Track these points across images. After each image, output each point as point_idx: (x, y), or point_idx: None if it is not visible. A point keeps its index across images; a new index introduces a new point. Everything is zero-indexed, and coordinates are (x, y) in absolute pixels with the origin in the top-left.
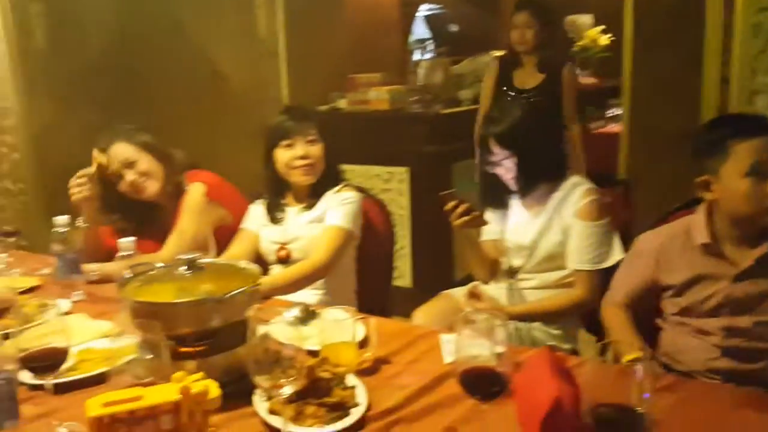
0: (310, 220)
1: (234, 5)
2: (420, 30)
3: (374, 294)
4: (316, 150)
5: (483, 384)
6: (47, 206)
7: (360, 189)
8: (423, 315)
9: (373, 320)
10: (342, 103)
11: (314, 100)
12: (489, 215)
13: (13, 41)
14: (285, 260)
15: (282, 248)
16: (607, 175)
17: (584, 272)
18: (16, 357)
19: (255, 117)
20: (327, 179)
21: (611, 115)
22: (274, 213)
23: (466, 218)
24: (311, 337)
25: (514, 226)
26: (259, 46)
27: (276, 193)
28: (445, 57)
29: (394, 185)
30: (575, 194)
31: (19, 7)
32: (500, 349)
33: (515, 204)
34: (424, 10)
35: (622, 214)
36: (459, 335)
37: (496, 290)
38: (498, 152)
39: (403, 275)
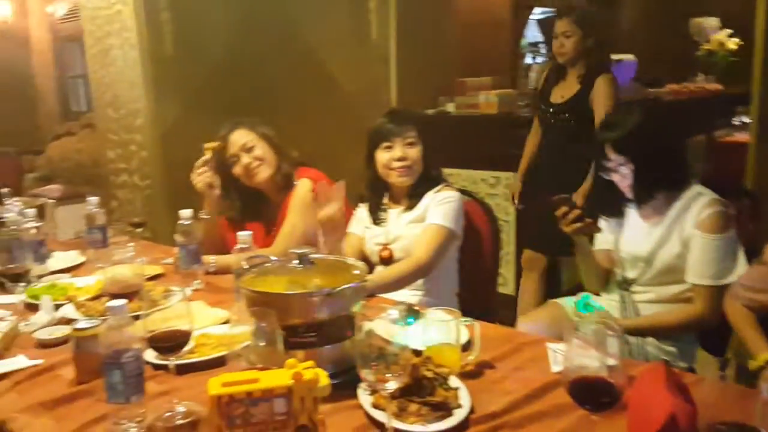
0: (410, 220)
1: (348, 11)
2: (532, 33)
3: (477, 298)
4: (414, 152)
5: (593, 395)
6: (170, 201)
7: (465, 192)
8: (529, 322)
9: (477, 324)
10: (450, 107)
11: (422, 104)
12: (602, 223)
13: (145, 48)
14: (387, 260)
15: (384, 248)
16: (733, 186)
17: (704, 287)
18: (143, 337)
19: (364, 120)
20: (426, 180)
21: (738, 123)
22: (376, 214)
23: (578, 225)
24: (414, 337)
25: (630, 236)
26: (371, 51)
27: (376, 194)
28: None
29: (500, 190)
30: (697, 204)
31: (152, 16)
32: (612, 361)
33: (631, 213)
34: (537, 13)
35: (749, 227)
36: (568, 345)
37: (607, 302)
38: (614, 158)
39: (507, 282)
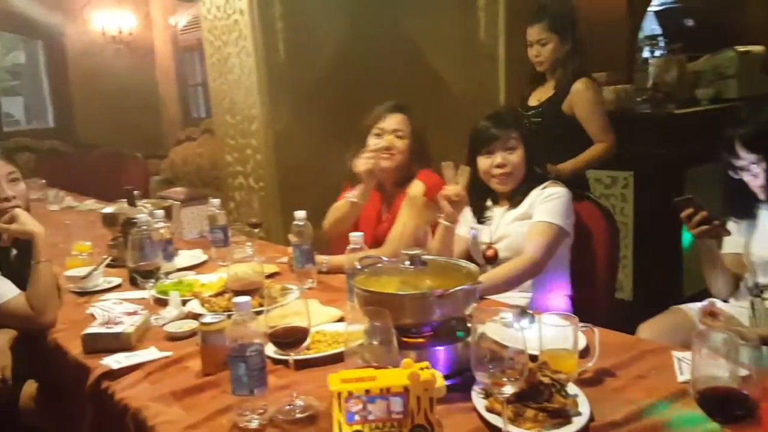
0: (515, 217)
1: (456, 10)
2: (651, 26)
3: (592, 303)
4: (515, 157)
5: (725, 407)
6: (282, 202)
7: (579, 192)
8: (650, 329)
9: (596, 330)
10: None
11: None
12: (732, 225)
13: (260, 56)
14: (492, 259)
15: (489, 248)
16: None
17: None
18: (264, 332)
19: (471, 120)
20: (530, 179)
21: None
22: (480, 214)
23: (705, 227)
24: (529, 341)
25: (762, 239)
26: (479, 50)
27: (479, 195)
28: (679, 54)
29: (616, 190)
30: None
31: (266, 25)
32: (745, 371)
33: (764, 214)
34: (655, 5)
35: None
36: (696, 353)
37: (736, 309)
38: (744, 156)
39: (623, 287)
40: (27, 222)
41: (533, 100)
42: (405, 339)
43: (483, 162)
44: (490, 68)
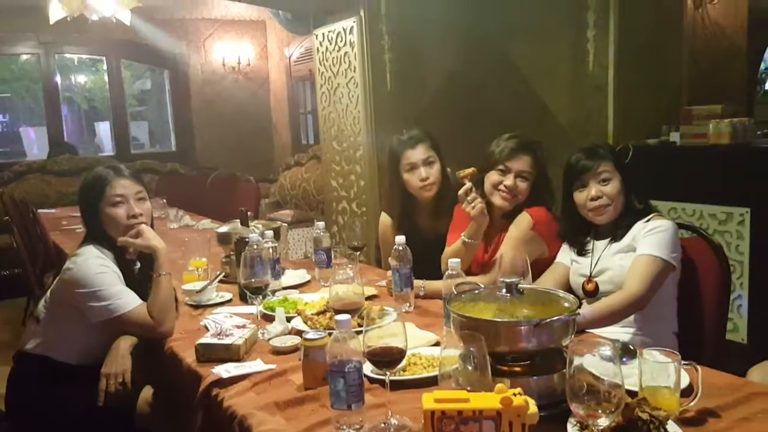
0: (617, 250)
1: (565, 41)
2: None
3: (699, 342)
4: (610, 189)
5: None
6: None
7: (690, 227)
8: (762, 373)
9: (700, 368)
10: (674, 137)
11: (642, 134)
12: None
13: (368, 86)
14: (592, 293)
15: (589, 281)
16: None
17: None
18: (363, 351)
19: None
20: (631, 213)
21: None
22: (581, 248)
23: None
24: (629, 377)
25: None
26: (587, 80)
27: (579, 231)
28: None
29: (731, 227)
30: None
31: (375, 57)
32: None
33: None
34: None
35: None
36: None
37: None
38: None
39: (737, 328)
40: (151, 238)
41: None
42: (500, 367)
43: (578, 196)
44: (598, 99)
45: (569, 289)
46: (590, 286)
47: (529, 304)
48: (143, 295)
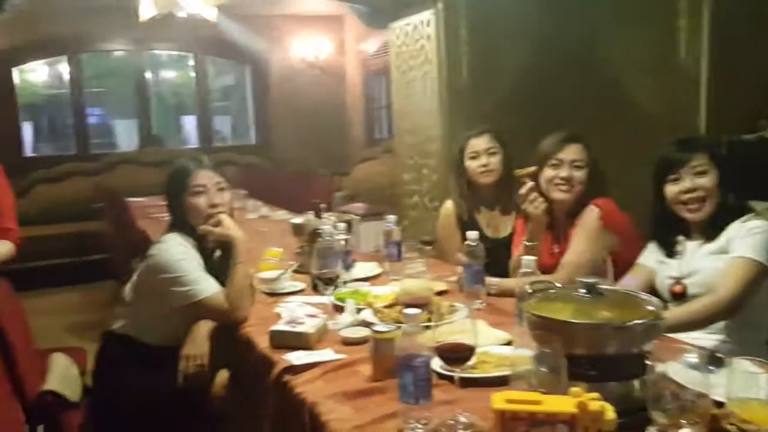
0: (711, 251)
1: (653, 30)
2: None
3: None
4: (706, 181)
5: None
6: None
7: None
8: None
9: None
10: None
11: (737, 129)
12: None
13: (443, 79)
14: (680, 296)
15: (677, 283)
16: None
17: None
18: (432, 346)
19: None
20: (726, 210)
21: None
22: (670, 247)
23: None
24: (715, 387)
25: None
26: (677, 72)
27: (669, 229)
28: None
29: None
30: None
31: (451, 50)
32: None
33: None
34: None
35: None
36: None
37: None
38: None
39: None
40: (230, 227)
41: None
42: (576, 370)
43: (670, 189)
44: (689, 92)
45: (653, 292)
46: (678, 289)
47: (609, 306)
48: (221, 281)
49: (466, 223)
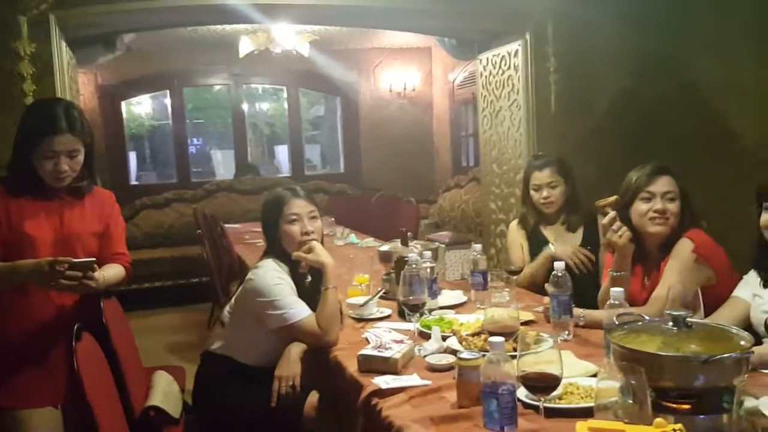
0: None
1: (753, 59)
2: None
3: None
4: None
5: None
6: None
7: None
8: None
9: None
10: None
11: None
12: None
13: (531, 109)
14: None
15: None
16: None
17: None
18: (517, 375)
19: (763, 173)
20: None
21: None
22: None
23: None
24: None
25: None
26: None
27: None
28: None
29: None
30: None
31: (540, 79)
32: None
33: None
34: None
35: None
36: None
37: None
38: None
39: None
40: (321, 254)
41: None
42: (664, 403)
43: (764, 216)
44: None
45: (748, 327)
46: None
47: (698, 339)
48: (312, 306)
49: (533, 234)
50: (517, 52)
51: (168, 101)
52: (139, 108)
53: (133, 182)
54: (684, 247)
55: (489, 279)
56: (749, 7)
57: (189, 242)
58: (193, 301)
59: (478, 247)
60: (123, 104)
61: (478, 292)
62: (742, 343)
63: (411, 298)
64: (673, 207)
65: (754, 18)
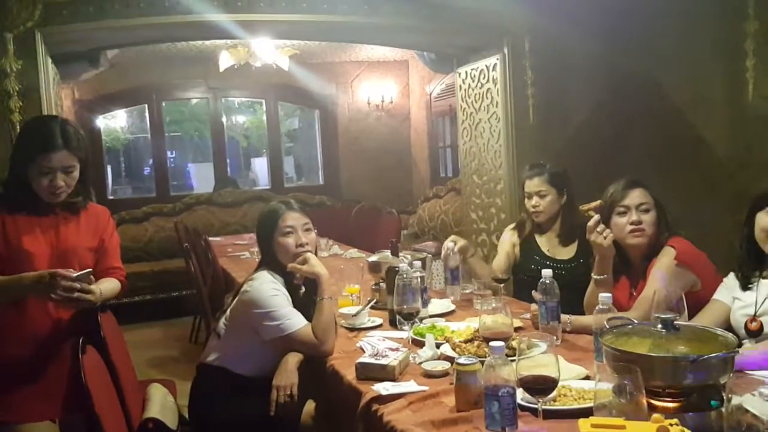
0: None
1: (719, 72)
2: None
3: None
4: None
5: None
6: None
7: None
8: None
9: None
10: None
11: None
12: None
13: (510, 121)
14: (756, 333)
15: (753, 320)
16: None
17: None
18: (516, 378)
19: (736, 184)
20: None
21: None
22: (747, 281)
23: None
24: None
25: None
26: (745, 111)
27: (752, 262)
28: None
29: None
30: None
31: (518, 92)
32: None
33: None
34: None
35: None
36: None
37: None
38: None
39: None
40: (316, 265)
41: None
42: (655, 402)
43: (763, 219)
44: (760, 130)
45: (729, 328)
46: (754, 326)
47: (686, 341)
48: (307, 316)
49: (526, 241)
50: (495, 65)
51: (147, 115)
52: (114, 122)
53: (110, 197)
54: (666, 255)
55: (476, 288)
56: (715, 25)
57: (168, 256)
58: (173, 315)
59: (451, 245)
60: (100, 118)
61: (452, 287)
62: (726, 343)
63: (405, 306)
64: (648, 218)
65: (719, 36)
